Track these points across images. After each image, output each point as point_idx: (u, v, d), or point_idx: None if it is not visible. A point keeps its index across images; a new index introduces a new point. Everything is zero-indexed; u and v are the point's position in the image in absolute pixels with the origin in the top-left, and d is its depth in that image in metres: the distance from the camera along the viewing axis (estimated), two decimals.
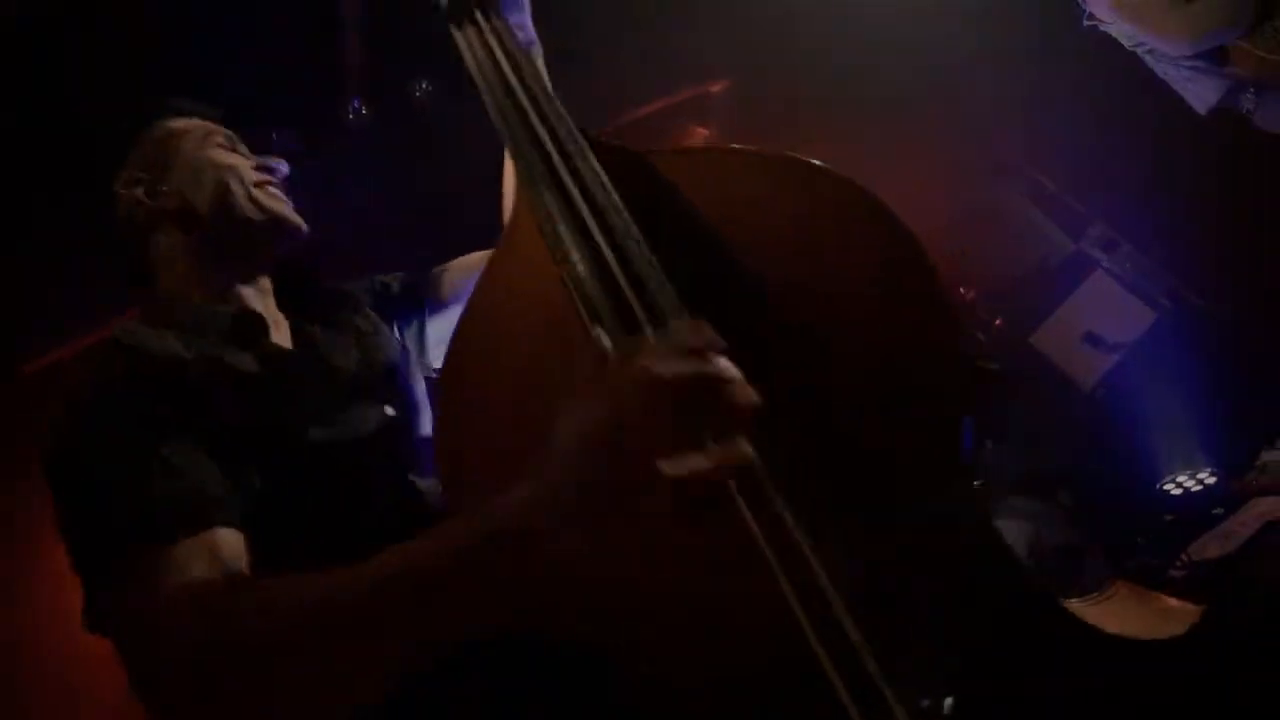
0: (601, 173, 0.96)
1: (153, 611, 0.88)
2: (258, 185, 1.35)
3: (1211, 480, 3.43)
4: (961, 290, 4.27)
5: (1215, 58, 2.58)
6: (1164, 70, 2.78)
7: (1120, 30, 2.76)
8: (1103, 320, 3.99)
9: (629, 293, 0.82)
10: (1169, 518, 3.33)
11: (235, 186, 1.33)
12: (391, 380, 1.34)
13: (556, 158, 0.99)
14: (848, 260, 0.93)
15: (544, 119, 1.05)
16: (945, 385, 0.87)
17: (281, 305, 1.37)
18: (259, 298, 1.35)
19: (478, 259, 1.50)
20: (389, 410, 1.28)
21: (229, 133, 1.43)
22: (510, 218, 1.08)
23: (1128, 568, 2.92)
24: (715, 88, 3.98)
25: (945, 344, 0.89)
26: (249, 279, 1.34)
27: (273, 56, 2.85)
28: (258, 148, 1.45)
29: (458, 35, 1.25)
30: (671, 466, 0.67)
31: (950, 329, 0.90)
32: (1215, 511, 3.05)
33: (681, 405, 0.69)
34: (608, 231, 0.89)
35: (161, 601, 0.88)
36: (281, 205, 1.36)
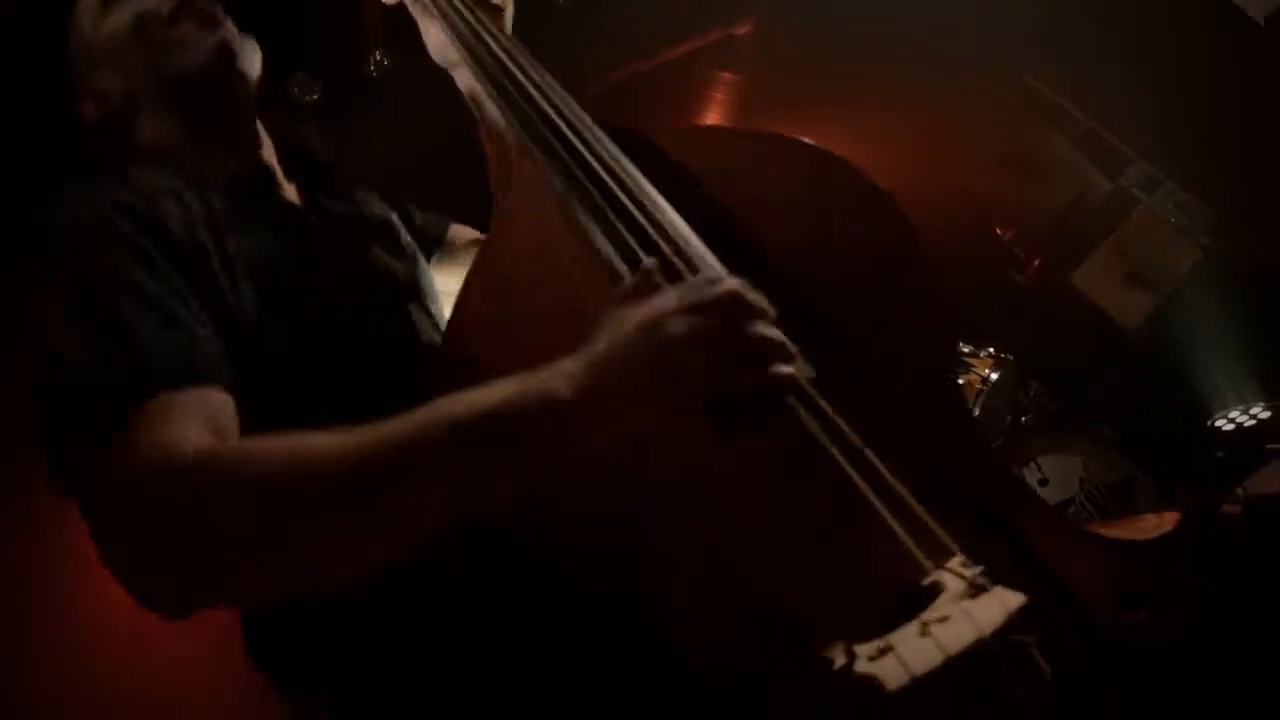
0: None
1: (156, 467, 0.77)
2: (172, 23, 1.19)
3: (1266, 414, 3.33)
4: (999, 231, 4.17)
5: None
6: None
7: None
8: (1145, 258, 3.89)
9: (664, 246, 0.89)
10: (1221, 454, 3.25)
11: (151, 41, 1.19)
12: (413, 265, 1.28)
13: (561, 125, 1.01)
14: (842, 237, 1.01)
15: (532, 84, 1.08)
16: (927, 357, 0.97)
17: (296, 181, 1.28)
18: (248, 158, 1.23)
19: (472, 236, 1.47)
20: (419, 274, 1.23)
21: None
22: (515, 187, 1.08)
23: (1181, 502, 2.85)
24: (741, 30, 3.88)
25: (931, 327, 0.98)
26: (239, 137, 1.23)
27: (293, 6, 2.80)
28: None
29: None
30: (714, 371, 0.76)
31: (937, 310, 0.99)
32: (1270, 446, 2.97)
33: (726, 320, 0.77)
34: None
35: (164, 455, 0.78)
36: (206, 35, 1.20)
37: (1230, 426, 3.36)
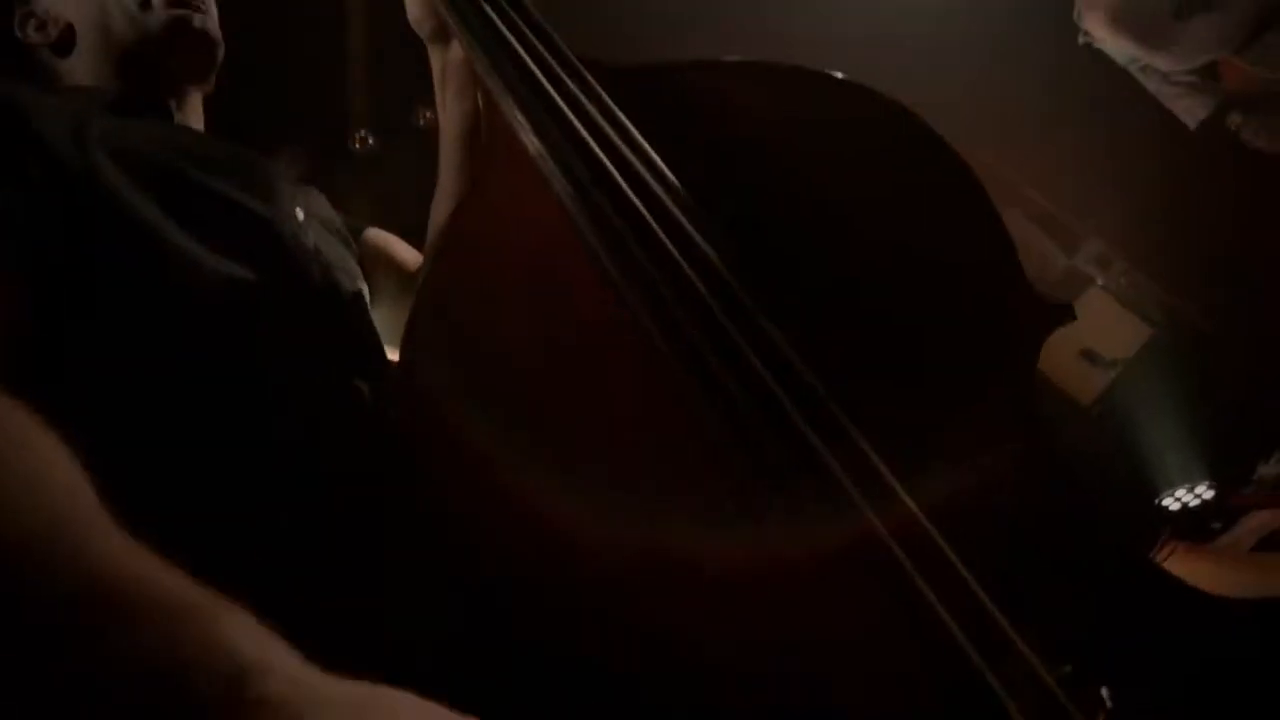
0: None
1: None
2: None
3: (1209, 495, 3.46)
4: None
5: (1207, 73, 2.65)
6: (1155, 86, 2.84)
7: (1115, 47, 2.83)
8: (1099, 336, 4.03)
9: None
10: (1165, 532, 3.36)
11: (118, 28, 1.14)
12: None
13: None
14: (892, 178, 0.90)
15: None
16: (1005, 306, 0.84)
17: None
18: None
19: (393, 246, 1.31)
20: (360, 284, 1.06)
21: None
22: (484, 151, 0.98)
23: None
24: None
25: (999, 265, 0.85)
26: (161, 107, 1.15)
27: (280, 85, 2.89)
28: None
29: None
30: None
31: (1004, 250, 0.86)
32: (1213, 526, 3.08)
33: None
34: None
35: None
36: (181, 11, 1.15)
37: (1176, 506, 3.48)
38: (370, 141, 3.20)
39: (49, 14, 1.17)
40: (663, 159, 0.83)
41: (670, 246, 0.75)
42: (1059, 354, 4.08)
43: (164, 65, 1.17)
